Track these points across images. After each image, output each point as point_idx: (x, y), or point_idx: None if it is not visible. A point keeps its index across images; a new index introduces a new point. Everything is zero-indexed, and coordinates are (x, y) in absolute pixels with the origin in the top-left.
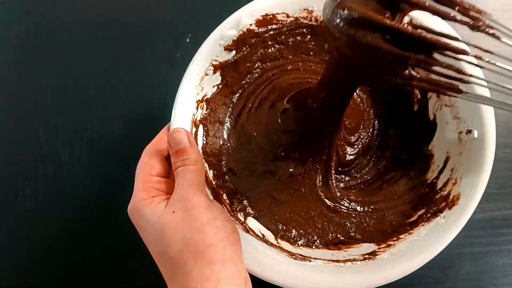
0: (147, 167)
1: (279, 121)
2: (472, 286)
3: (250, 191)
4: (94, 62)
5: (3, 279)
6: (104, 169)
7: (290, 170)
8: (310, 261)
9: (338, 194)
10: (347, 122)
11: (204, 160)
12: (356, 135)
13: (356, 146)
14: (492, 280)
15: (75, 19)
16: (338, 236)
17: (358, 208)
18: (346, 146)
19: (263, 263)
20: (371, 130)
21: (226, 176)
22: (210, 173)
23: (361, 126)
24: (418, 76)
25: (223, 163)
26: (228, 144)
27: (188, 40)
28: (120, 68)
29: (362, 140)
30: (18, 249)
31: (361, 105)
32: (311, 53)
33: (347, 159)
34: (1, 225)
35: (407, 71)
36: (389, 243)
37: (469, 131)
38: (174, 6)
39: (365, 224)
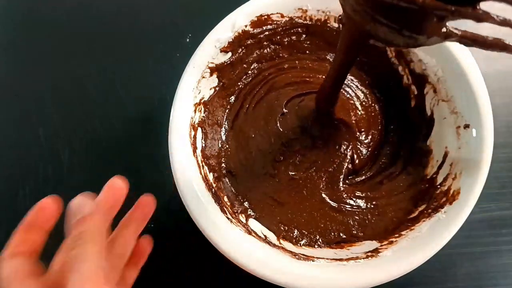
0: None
1: (278, 125)
2: (472, 286)
3: (250, 193)
4: (94, 62)
5: None
6: (104, 169)
7: (291, 174)
8: (313, 261)
9: (345, 195)
10: (360, 125)
11: (204, 163)
12: (369, 136)
13: (370, 148)
14: (491, 280)
15: (75, 19)
16: (341, 234)
17: (362, 205)
18: (361, 149)
19: (266, 264)
20: (379, 127)
21: (226, 178)
22: (210, 176)
23: (371, 122)
24: (460, 34)
25: (222, 165)
26: (227, 146)
27: (188, 40)
28: (120, 68)
29: (374, 139)
30: None
31: (366, 100)
32: (307, 52)
33: (362, 164)
34: (1, 225)
35: (444, 29)
36: (391, 240)
37: (466, 126)
38: (174, 5)
39: (367, 222)
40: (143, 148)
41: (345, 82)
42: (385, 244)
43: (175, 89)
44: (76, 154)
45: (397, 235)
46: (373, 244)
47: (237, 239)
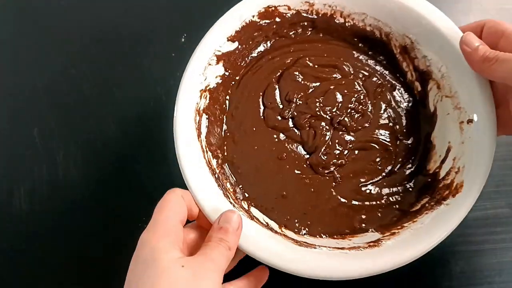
0: (177, 210)
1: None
2: (467, 284)
3: (252, 186)
4: (89, 62)
5: None
6: (99, 169)
7: (296, 172)
8: (315, 248)
9: (354, 192)
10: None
11: (208, 148)
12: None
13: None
14: (486, 278)
15: (70, 19)
16: (344, 228)
17: (368, 200)
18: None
19: (268, 248)
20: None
21: (228, 168)
22: (214, 162)
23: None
24: None
25: (225, 154)
26: (229, 135)
27: (183, 39)
28: (115, 68)
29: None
30: (14, 251)
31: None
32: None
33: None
34: None
35: None
36: (393, 231)
37: (470, 121)
38: (169, 5)
39: (371, 215)
40: (138, 148)
41: (354, 73)
42: (387, 235)
43: (170, 88)
44: (71, 155)
45: (399, 227)
46: (375, 235)
47: None
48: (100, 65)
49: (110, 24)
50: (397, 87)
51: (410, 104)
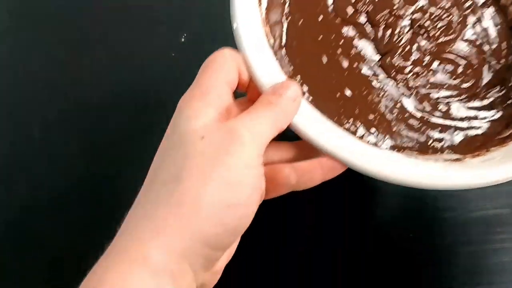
0: (223, 70)
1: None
2: (467, 284)
3: (312, 80)
4: (88, 63)
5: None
6: (100, 169)
7: (364, 72)
8: (380, 148)
9: (430, 107)
10: None
11: (267, 22)
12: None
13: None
14: (487, 278)
15: (68, 19)
16: (415, 144)
17: (447, 119)
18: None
19: (333, 136)
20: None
21: (285, 53)
22: (271, 41)
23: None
24: None
25: (283, 39)
26: (291, 20)
27: (183, 39)
28: (114, 68)
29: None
30: (14, 250)
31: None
32: None
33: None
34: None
35: None
36: (477, 153)
37: None
38: (169, 5)
39: (448, 135)
40: (138, 146)
41: None
42: (468, 156)
43: (171, 89)
44: (71, 155)
45: (485, 150)
46: (454, 156)
47: None
48: (98, 66)
49: (108, 25)
50: (489, 6)
51: (502, 27)
